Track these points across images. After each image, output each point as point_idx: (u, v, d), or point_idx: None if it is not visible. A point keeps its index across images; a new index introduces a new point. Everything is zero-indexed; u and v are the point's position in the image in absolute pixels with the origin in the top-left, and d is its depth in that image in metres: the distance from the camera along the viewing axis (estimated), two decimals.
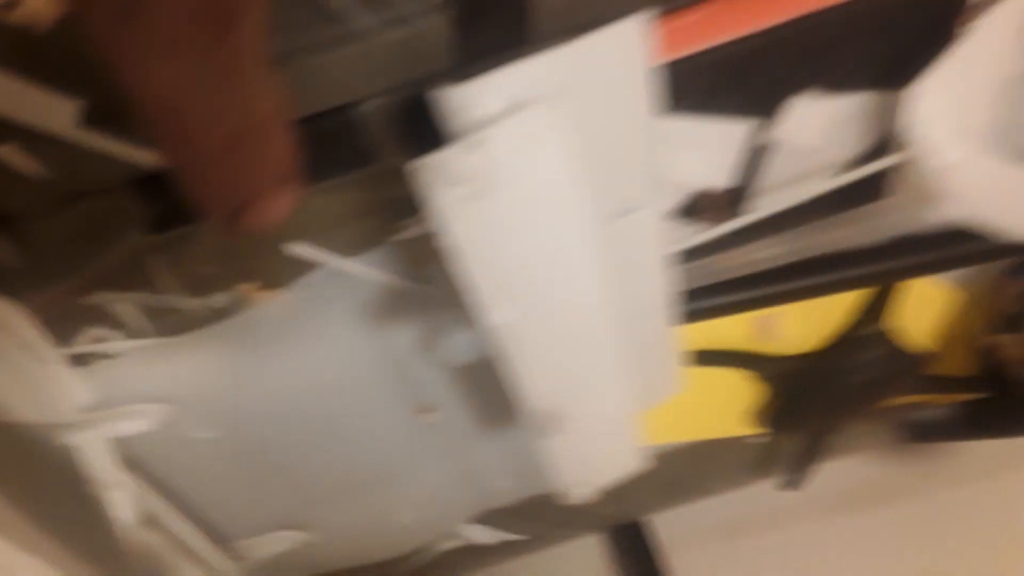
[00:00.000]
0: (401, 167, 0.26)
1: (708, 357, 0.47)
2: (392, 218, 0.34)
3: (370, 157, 0.31)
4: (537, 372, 0.26)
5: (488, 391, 0.42)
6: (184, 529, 0.38)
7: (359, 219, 0.34)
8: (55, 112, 0.27)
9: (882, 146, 0.36)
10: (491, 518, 0.50)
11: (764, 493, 0.57)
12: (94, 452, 0.34)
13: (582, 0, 0.30)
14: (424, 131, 0.27)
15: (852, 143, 0.36)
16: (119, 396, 0.35)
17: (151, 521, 0.36)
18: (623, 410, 0.32)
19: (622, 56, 0.22)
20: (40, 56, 0.25)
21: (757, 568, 0.58)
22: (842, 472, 0.57)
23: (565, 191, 0.22)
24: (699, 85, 0.32)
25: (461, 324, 0.31)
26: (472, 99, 0.19)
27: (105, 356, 0.34)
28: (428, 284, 0.35)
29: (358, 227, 0.34)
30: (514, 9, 0.30)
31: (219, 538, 0.42)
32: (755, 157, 0.35)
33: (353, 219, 0.34)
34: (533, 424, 0.28)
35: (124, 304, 0.32)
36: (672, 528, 0.58)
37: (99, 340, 0.33)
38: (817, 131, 0.33)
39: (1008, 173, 0.31)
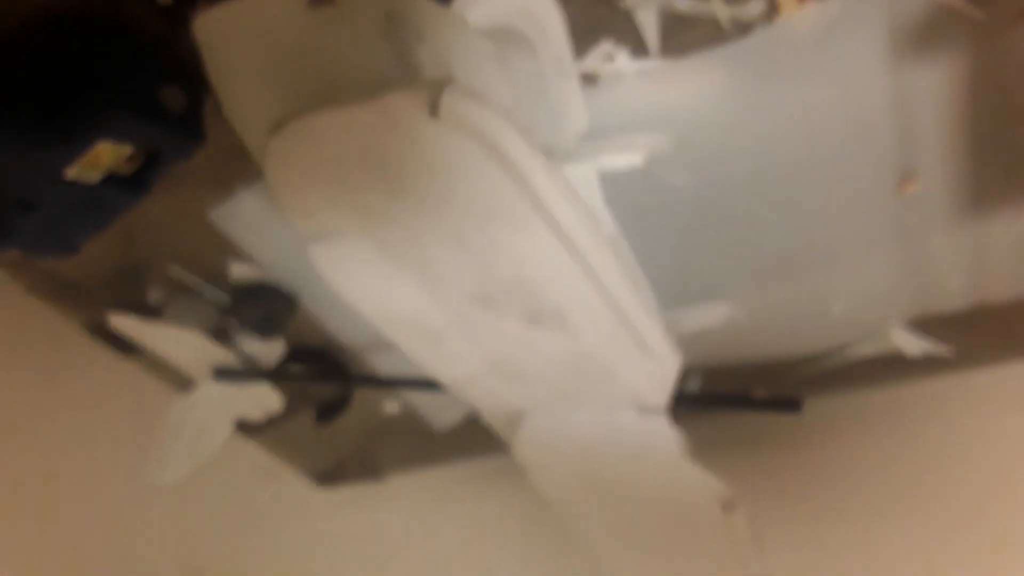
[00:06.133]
0: None
1: None
2: None
3: None
4: None
5: (985, 163, 0.36)
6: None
7: None
8: None
9: None
10: (922, 326, 0.45)
11: None
12: (584, 185, 0.33)
13: None
14: None
15: None
16: (616, 122, 0.33)
17: None
18: None
19: None
20: None
21: None
22: None
23: None
24: None
25: None
26: None
27: (609, 77, 0.32)
28: None
29: None
30: None
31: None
32: None
33: None
34: None
35: (647, 10, 0.30)
36: None
37: (608, 58, 0.31)
38: None
39: None
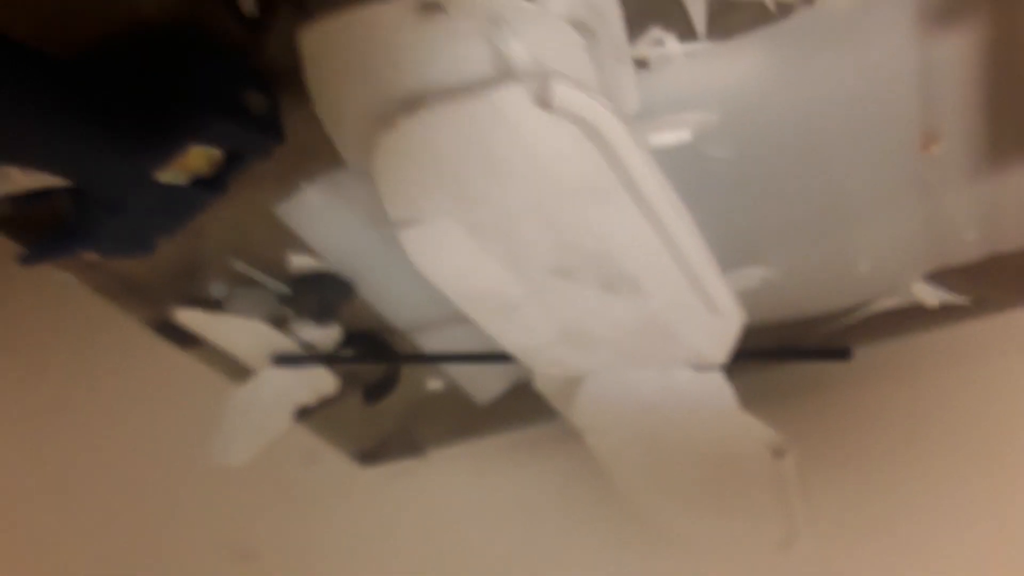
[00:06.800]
0: None
1: None
2: None
3: None
4: None
5: (1003, 123, 0.38)
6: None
7: None
8: None
9: None
10: (940, 278, 0.48)
11: None
12: None
13: None
14: None
15: None
16: (665, 102, 0.35)
17: None
18: None
19: None
20: None
21: None
22: None
23: None
24: None
25: None
26: None
27: (658, 60, 0.34)
28: None
29: None
30: None
31: None
32: None
33: None
34: None
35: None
36: None
37: (658, 42, 0.34)
38: None
39: None
